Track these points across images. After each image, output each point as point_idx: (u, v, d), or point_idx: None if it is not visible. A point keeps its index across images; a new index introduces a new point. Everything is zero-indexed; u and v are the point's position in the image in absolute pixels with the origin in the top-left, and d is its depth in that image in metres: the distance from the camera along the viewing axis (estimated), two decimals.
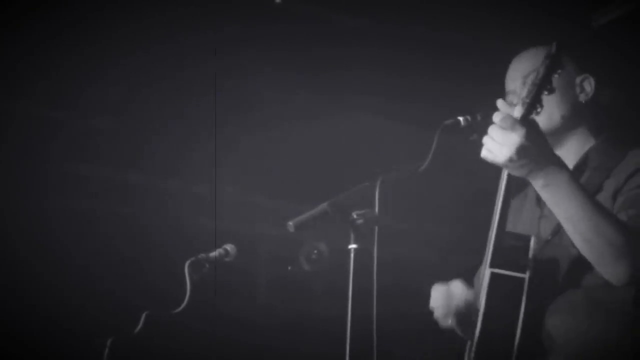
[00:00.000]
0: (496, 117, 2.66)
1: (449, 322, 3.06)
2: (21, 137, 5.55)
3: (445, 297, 3.06)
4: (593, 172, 2.96)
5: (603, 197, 2.87)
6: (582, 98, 3.05)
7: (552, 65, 2.69)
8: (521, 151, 2.62)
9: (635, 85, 3.95)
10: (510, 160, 2.64)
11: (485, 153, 2.68)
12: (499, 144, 2.63)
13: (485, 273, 2.80)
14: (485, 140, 2.67)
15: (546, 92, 2.70)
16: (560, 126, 3.02)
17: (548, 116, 2.99)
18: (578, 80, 3.05)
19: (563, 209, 2.70)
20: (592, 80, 3.05)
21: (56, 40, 5.00)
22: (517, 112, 2.70)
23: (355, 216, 2.96)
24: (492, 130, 2.65)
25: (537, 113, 2.77)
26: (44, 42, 5.01)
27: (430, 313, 3.11)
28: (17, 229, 5.57)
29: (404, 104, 5.36)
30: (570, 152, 3.04)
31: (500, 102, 2.76)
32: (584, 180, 2.94)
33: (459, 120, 2.98)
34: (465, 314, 2.99)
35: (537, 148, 2.64)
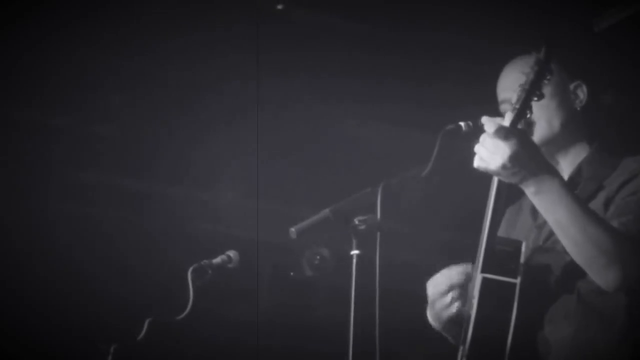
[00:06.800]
0: (488, 127, 2.68)
1: (452, 302, 2.96)
2: (24, 145, 5.56)
3: (446, 276, 2.96)
4: (586, 182, 2.97)
5: (596, 206, 2.87)
6: (577, 105, 3.06)
7: (541, 70, 2.71)
8: (514, 159, 2.65)
9: (637, 88, 3.94)
10: (504, 167, 2.67)
11: (478, 162, 2.71)
12: (491, 153, 2.66)
13: (477, 278, 2.80)
14: (478, 149, 2.70)
15: (535, 98, 2.72)
16: (559, 134, 3.03)
17: (548, 125, 3.01)
18: (571, 87, 3.07)
19: (553, 214, 2.72)
20: (584, 87, 3.07)
21: (57, 47, 5.01)
22: (508, 118, 2.72)
23: (357, 222, 2.96)
24: (484, 139, 2.69)
25: (527, 119, 2.78)
26: (45, 50, 5.02)
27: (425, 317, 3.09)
28: (22, 236, 5.59)
29: (406, 109, 5.36)
30: (566, 161, 3.06)
31: (485, 119, 2.78)
32: (578, 191, 2.96)
33: (460, 126, 2.99)
34: (464, 296, 2.95)
35: (529, 156, 2.68)
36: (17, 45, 4.97)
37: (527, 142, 2.69)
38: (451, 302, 2.97)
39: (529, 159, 2.68)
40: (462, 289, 2.96)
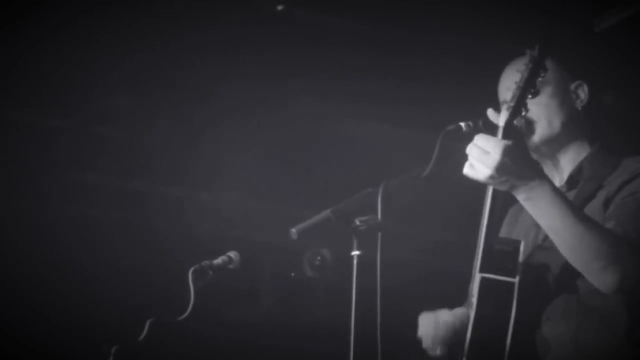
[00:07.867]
0: (477, 138, 2.69)
1: (437, 351, 3.04)
2: (24, 145, 5.56)
3: (432, 327, 3.05)
4: (586, 182, 2.98)
5: (595, 206, 2.89)
6: (578, 105, 3.07)
7: (535, 68, 2.71)
8: (500, 169, 2.64)
9: (637, 88, 3.95)
10: (491, 177, 2.67)
11: (467, 170, 2.70)
12: (479, 162, 2.66)
13: (476, 278, 2.81)
14: (468, 156, 2.69)
15: (530, 96, 2.72)
16: (560, 134, 3.04)
17: (549, 124, 3.02)
18: (572, 87, 3.07)
19: (546, 221, 2.73)
20: (585, 87, 3.07)
21: (57, 47, 5.01)
22: (503, 116, 2.72)
23: (358, 222, 2.97)
24: (471, 148, 2.68)
25: (528, 118, 2.78)
26: (45, 50, 5.02)
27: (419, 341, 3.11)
28: (22, 235, 5.59)
29: (406, 109, 5.36)
30: (567, 161, 3.07)
31: (490, 112, 2.79)
32: (578, 190, 2.96)
33: (460, 126, 3.00)
34: (454, 343, 2.98)
35: (516, 164, 2.66)
36: (17, 45, 4.96)
37: (515, 150, 2.67)
38: (433, 348, 3.04)
39: (517, 167, 2.67)
40: (444, 343, 3.01)
